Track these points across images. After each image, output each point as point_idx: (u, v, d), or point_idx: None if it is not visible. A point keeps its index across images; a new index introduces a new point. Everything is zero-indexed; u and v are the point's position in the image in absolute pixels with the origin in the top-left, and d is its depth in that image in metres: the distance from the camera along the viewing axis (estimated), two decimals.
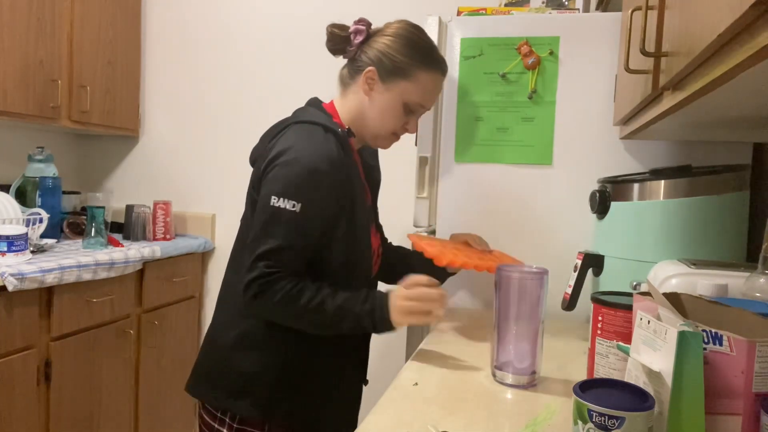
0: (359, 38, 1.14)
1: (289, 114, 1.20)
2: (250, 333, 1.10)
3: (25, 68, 2.06)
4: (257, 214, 1.04)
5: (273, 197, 1.01)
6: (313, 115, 1.12)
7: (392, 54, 1.11)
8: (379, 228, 1.35)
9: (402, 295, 1.04)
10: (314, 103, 1.20)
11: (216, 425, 1.11)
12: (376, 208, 1.34)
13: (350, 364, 1.21)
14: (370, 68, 1.12)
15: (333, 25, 1.16)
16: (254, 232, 1.04)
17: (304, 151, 1.04)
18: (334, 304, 1.03)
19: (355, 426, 1.29)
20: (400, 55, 1.11)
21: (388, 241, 1.43)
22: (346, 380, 1.20)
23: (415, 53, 1.11)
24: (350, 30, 1.15)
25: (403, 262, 1.33)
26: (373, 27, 1.16)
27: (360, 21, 1.15)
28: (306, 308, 1.02)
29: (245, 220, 1.15)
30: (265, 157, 1.09)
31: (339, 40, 1.16)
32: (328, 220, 1.07)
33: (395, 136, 1.19)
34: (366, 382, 1.32)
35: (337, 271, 1.10)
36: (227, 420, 1.10)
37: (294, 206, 1.01)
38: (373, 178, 1.29)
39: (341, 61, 1.24)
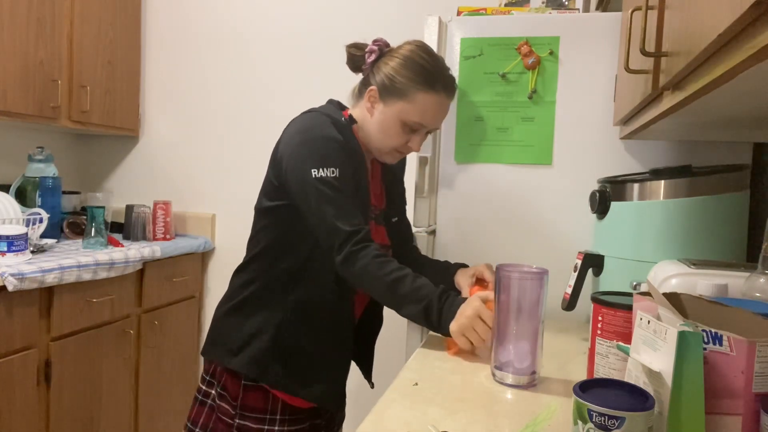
0: (372, 57, 1.20)
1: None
2: (249, 300, 1.19)
3: (25, 68, 2.06)
4: (303, 194, 1.10)
5: (312, 171, 1.08)
6: (324, 108, 1.19)
7: (394, 76, 1.16)
8: (398, 235, 1.35)
9: (471, 313, 1.04)
10: (333, 102, 1.27)
11: (204, 387, 1.22)
12: (395, 214, 1.35)
13: (338, 343, 1.22)
14: (371, 88, 1.19)
15: (351, 45, 1.23)
16: (309, 208, 1.09)
17: (317, 126, 1.12)
18: (417, 282, 1.07)
19: (338, 402, 1.30)
20: (400, 77, 1.16)
21: (417, 249, 1.43)
22: (333, 357, 1.22)
23: (416, 75, 1.15)
24: (366, 50, 1.21)
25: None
26: (390, 47, 1.21)
27: (376, 41, 1.20)
28: (394, 273, 1.06)
29: (256, 206, 1.23)
30: (278, 142, 1.18)
31: (357, 59, 1.22)
32: (353, 179, 1.13)
33: (398, 153, 1.23)
34: (372, 386, 1.39)
35: (315, 248, 1.14)
36: (215, 382, 1.19)
37: (333, 172, 1.09)
38: (395, 187, 1.36)
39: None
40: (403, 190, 1.40)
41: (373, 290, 1.09)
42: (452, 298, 1.08)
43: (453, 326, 1.04)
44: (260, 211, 1.21)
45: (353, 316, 1.23)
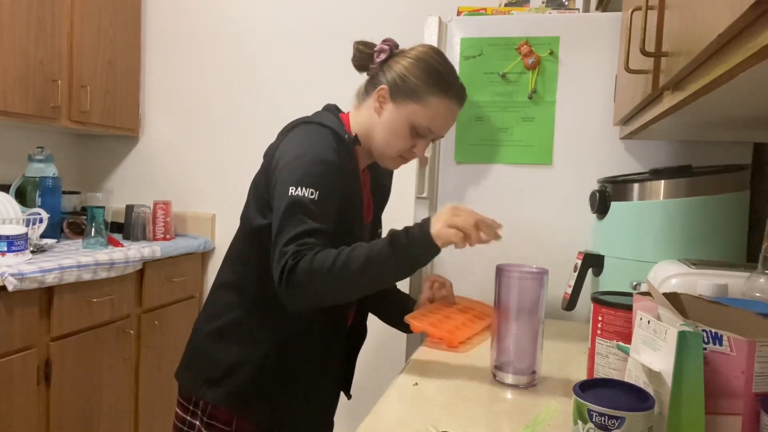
0: (382, 57, 1.15)
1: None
2: (233, 325, 1.11)
3: (25, 68, 2.06)
4: (277, 206, 1.02)
5: (291, 188, 1.00)
6: (325, 119, 1.13)
7: (407, 76, 1.11)
8: None
9: (446, 210, 0.97)
10: (331, 108, 1.21)
11: (188, 417, 1.14)
12: (379, 226, 1.32)
13: (327, 373, 1.20)
14: (382, 87, 1.13)
15: (359, 42, 1.17)
16: (277, 224, 1.00)
17: (314, 144, 1.06)
18: (364, 248, 0.97)
19: (328, 430, 1.29)
20: (414, 78, 1.11)
21: None
22: (321, 387, 1.19)
23: (431, 78, 1.11)
24: (375, 48, 1.16)
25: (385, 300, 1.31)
26: (399, 47, 1.17)
27: (386, 41, 1.16)
28: (340, 261, 0.95)
29: (246, 213, 1.15)
30: (272, 155, 1.10)
31: (364, 57, 1.17)
32: (336, 213, 1.06)
33: (402, 159, 1.18)
34: (349, 397, 1.32)
35: None
36: (198, 412, 1.12)
37: (312, 194, 1.00)
38: (379, 196, 1.29)
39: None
40: (387, 196, 1.33)
41: (332, 286, 0.96)
42: (406, 228, 0.99)
43: (434, 230, 0.95)
44: (253, 229, 1.11)
45: (343, 337, 1.19)
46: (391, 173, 1.32)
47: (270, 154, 1.12)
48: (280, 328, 1.10)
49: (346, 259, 0.95)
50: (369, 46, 1.17)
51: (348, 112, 1.22)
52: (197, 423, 1.12)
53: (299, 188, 1.00)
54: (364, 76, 1.21)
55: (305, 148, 1.05)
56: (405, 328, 1.23)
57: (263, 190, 1.10)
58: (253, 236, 1.12)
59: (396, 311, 1.25)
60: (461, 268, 1.37)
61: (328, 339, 1.16)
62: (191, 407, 1.14)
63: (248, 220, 1.13)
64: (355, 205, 1.10)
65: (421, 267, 1.02)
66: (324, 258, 0.95)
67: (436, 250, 0.96)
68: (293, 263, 0.95)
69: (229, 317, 1.12)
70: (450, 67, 1.15)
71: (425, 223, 0.97)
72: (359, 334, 1.30)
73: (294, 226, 0.98)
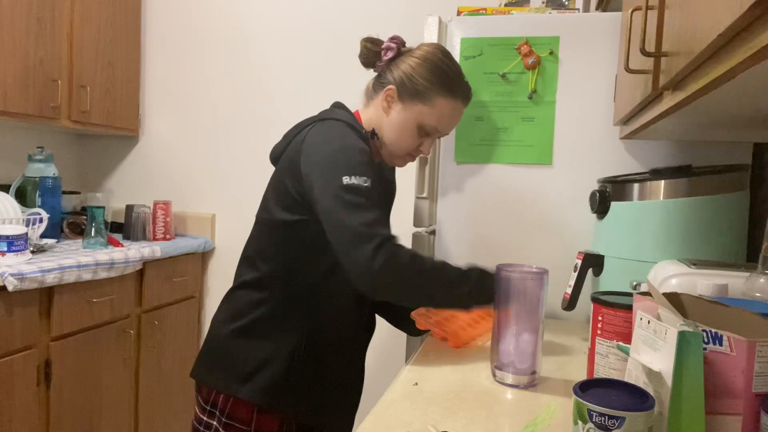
0: (389, 55, 1.16)
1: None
2: (261, 322, 1.11)
3: (25, 68, 2.06)
4: (328, 201, 1.00)
5: (344, 178, 1.00)
6: (339, 115, 1.13)
7: (414, 76, 1.12)
8: None
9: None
10: (342, 106, 1.21)
11: (205, 418, 1.12)
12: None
13: (352, 366, 1.21)
14: (390, 86, 1.14)
15: (367, 39, 1.18)
16: (335, 218, 0.99)
17: (347, 136, 1.07)
18: (455, 268, 1.04)
19: (348, 427, 1.29)
20: (421, 79, 1.12)
21: None
22: (347, 381, 1.20)
23: (437, 79, 1.12)
24: (383, 46, 1.16)
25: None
26: (406, 46, 1.18)
27: (393, 38, 1.16)
28: (431, 268, 1.01)
29: (266, 212, 1.14)
30: (296, 151, 1.09)
31: (371, 54, 1.18)
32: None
33: (410, 157, 1.20)
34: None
35: (335, 266, 1.09)
36: (216, 412, 1.11)
37: (366, 181, 1.01)
38: (387, 193, 1.30)
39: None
40: (394, 192, 1.35)
41: (415, 287, 1.01)
42: (483, 271, 1.07)
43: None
44: (274, 224, 1.11)
45: (366, 332, 1.20)
46: (393, 169, 1.33)
47: (293, 151, 1.10)
48: (308, 322, 1.10)
49: (436, 270, 1.01)
50: (376, 43, 1.17)
51: (356, 111, 1.22)
52: (214, 423, 1.11)
53: (352, 177, 1.00)
54: (364, 76, 1.22)
55: (341, 140, 1.06)
56: (407, 328, 1.23)
57: (289, 186, 1.09)
58: (276, 233, 1.11)
59: (400, 309, 1.26)
60: None
61: (353, 332, 1.16)
62: (209, 407, 1.12)
63: (270, 218, 1.12)
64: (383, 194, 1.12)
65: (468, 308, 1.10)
66: (417, 260, 1.00)
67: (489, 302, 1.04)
68: (390, 254, 0.96)
69: (256, 314, 1.11)
70: (456, 67, 1.16)
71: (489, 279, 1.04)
72: (371, 327, 1.31)
73: (360, 212, 0.98)
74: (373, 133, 1.16)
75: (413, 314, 1.15)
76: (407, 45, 1.19)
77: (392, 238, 0.99)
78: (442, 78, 1.12)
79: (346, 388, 1.20)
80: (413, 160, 1.22)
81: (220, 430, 1.10)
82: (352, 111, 1.21)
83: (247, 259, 1.17)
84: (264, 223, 1.15)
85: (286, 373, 1.08)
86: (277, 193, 1.12)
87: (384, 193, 1.27)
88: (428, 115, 1.13)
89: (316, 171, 1.03)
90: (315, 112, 1.23)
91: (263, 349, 1.09)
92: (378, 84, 1.18)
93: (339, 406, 1.18)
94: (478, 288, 1.04)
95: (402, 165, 1.22)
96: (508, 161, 1.46)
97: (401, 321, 1.25)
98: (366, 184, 1.00)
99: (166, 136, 2.72)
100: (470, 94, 1.19)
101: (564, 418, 0.82)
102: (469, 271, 1.05)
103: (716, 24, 0.53)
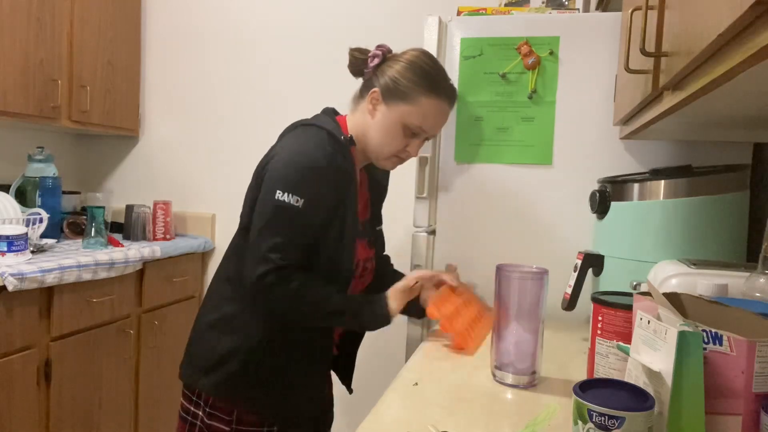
0: (375, 61, 1.19)
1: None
2: (229, 317, 1.15)
3: (25, 68, 2.06)
4: (260, 209, 1.09)
5: (277, 192, 1.06)
6: (322, 121, 1.16)
7: (398, 78, 1.15)
8: (378, 243, 1.36)
9: (395, 285, 1.17)
10: (328, 111, 1.24)
11: (192, 408, 1.16)
12: (378, 223, 1.35)
13: (321, 362, 1.21)
14: (374, 89, 1.17)
15: (354, 49, 1.22)
16: (258, 226, 1.08)
17: (307, 149, 1.10)
18: (341, 296, 1.11)
19: (327, 424, 1.32)
20: (404, 80, 1.15)
21: (390, 262, 1.44)
22: (315, 377, 1.20)
23: (420, 79, 1.15)
24: (369, 54, 1.20)
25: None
26: (392, 53, 1.21)
27: (379, 47, 1.20)
28: (313, 301, 1.09)
29: (246, 214, 1.17)
30: (268, 155, 1.15)
31: (359, 62, 1.21)
32: (325, 218, 1.10)
33: (398, 159, 1.22)
34: (351, 391, 1.36)
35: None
36: (201, 403, 1.14)
37: (297, 201, 1.06)
38: (376, 194, 1.33)
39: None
40: (384, 194, 1.38)
41: (305, 312, 1.10)
42: (374, 297, 1.16)
43: (392, 307, 1.14)
44: (247, 227, 1.14)
45: (330, 337, 1.21)
46: (387, 173, 1.36)
47: (271, 154, 1.16)
48: (269, 322, 1.12)
49: (318, 302, 1.09)
50: (363, 52, 1.21)
51: (344, 116, 1.25)
52: (200, 413, 1.14)
53: (286, 194, 1.06)
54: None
55: (298, 152, 1.09)
56: (410, 312, 1.24)
57: (255, 189, 1.14)
58: (247, 233, 1.14)
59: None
60: (462, 269, 1.37)
61: (316, 334, 1.17)
62: (194, 398, 1.16)
63: (244, 218, 1.17)
64: (349, 204, 1.13)
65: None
66: (305, 290, 1.07)
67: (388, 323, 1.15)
68: (276, 280, 1.05)
69: (226, 309, 1.16)
70: (439, 69, 1.19)
71: (383, 299, 1.15)
72: (356, 333, 1.32)
73: (275, 233, 1.06)
74: (351, 139, 1.18)
75: (429, 303, 1.18)
76: (401, 47, 1.22)
77: (287, 267, 1.06)
78: (424, 78, 1.15)
79: (313, 390, 1.20)
80: (401, 162, 1.23)
81: (205, 419, 1.13)
82: (343, 115, 1.24)
83: (226, 254, 1.22)
84: (241, 221, 1.19)
85: (246, 369, 1.11)
86: (249, 195, 1.18)
87: (371, 195, 1.31)
88: (412, 115, 1.15)
89: (267, 175, 1.10)
90: (315, 112, 1.24)
91: (225, 344, 1.13)
92: (364, 89, 1.21)
93: (309, 402, 1.19)
94: (353, 318, 1.12)
95: (391, 167, 1.24)
96: (508, 161, 1.46)
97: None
98: (297, 204, 1.06)
99: (166, 136, 2.72)
100: (455, 95, 1.22)
101: (564, 418, 0.82)
102: (350, 302, 1.12)
103: (716, 24, 0.53)
